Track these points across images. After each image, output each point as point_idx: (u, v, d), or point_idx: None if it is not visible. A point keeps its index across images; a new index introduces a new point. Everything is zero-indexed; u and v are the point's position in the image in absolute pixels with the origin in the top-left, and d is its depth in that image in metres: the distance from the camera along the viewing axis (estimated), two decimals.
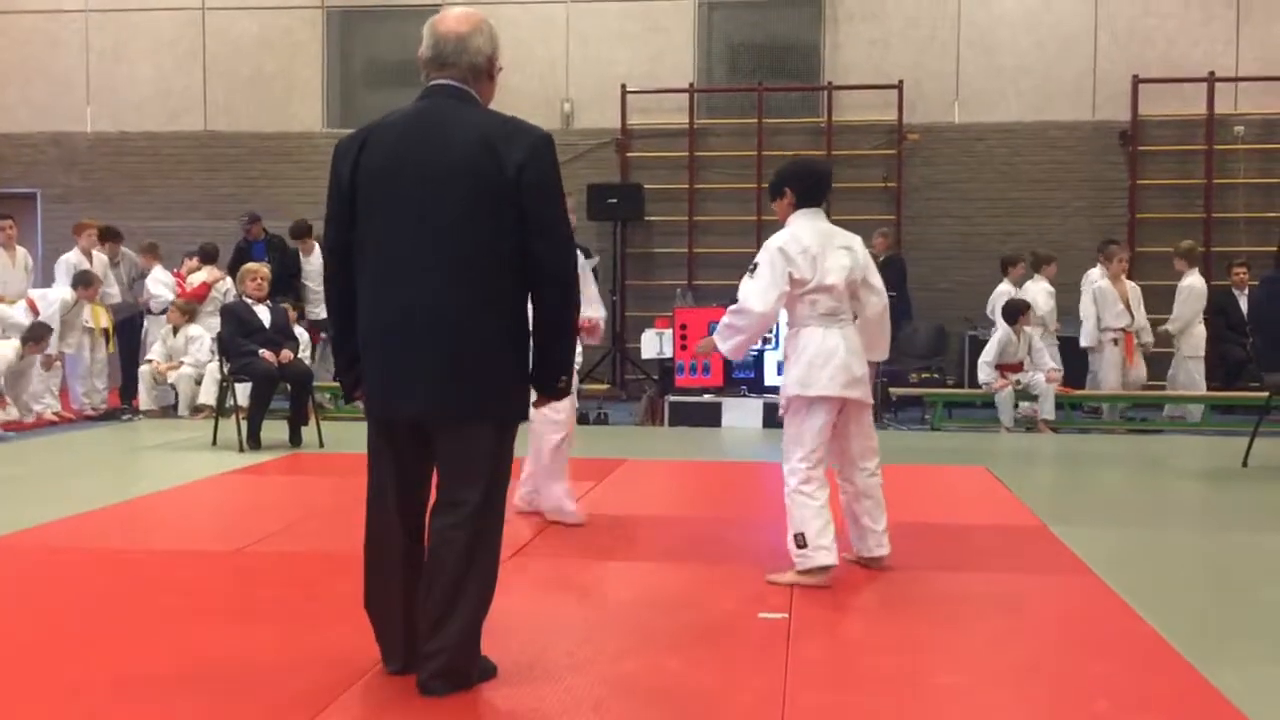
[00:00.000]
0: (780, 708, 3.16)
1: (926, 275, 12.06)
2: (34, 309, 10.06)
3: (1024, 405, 10.24)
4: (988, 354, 10.23)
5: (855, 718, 3.12)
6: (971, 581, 4.67)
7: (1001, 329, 10.27)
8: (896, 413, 11.09)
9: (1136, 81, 12.42)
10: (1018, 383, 10.10)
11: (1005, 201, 12.70)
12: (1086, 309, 10.62)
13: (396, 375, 3.15)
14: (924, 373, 11.51)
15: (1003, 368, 10.19)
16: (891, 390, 11.01)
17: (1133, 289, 10.48)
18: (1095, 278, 10.68)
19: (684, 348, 10.42)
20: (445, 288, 3.10)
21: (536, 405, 3.39)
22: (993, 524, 5.88)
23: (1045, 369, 10.16)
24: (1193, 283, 10.64)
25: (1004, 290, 10.85)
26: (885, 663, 3.59)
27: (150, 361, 10.73)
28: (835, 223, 4.93)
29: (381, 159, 3.16)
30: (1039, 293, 10.80)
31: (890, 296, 5.17)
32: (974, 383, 10.80)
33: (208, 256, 11.59)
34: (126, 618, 4.07)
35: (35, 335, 9.74)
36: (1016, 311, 10.24)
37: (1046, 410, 10.07)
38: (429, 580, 3.17)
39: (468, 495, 3.15)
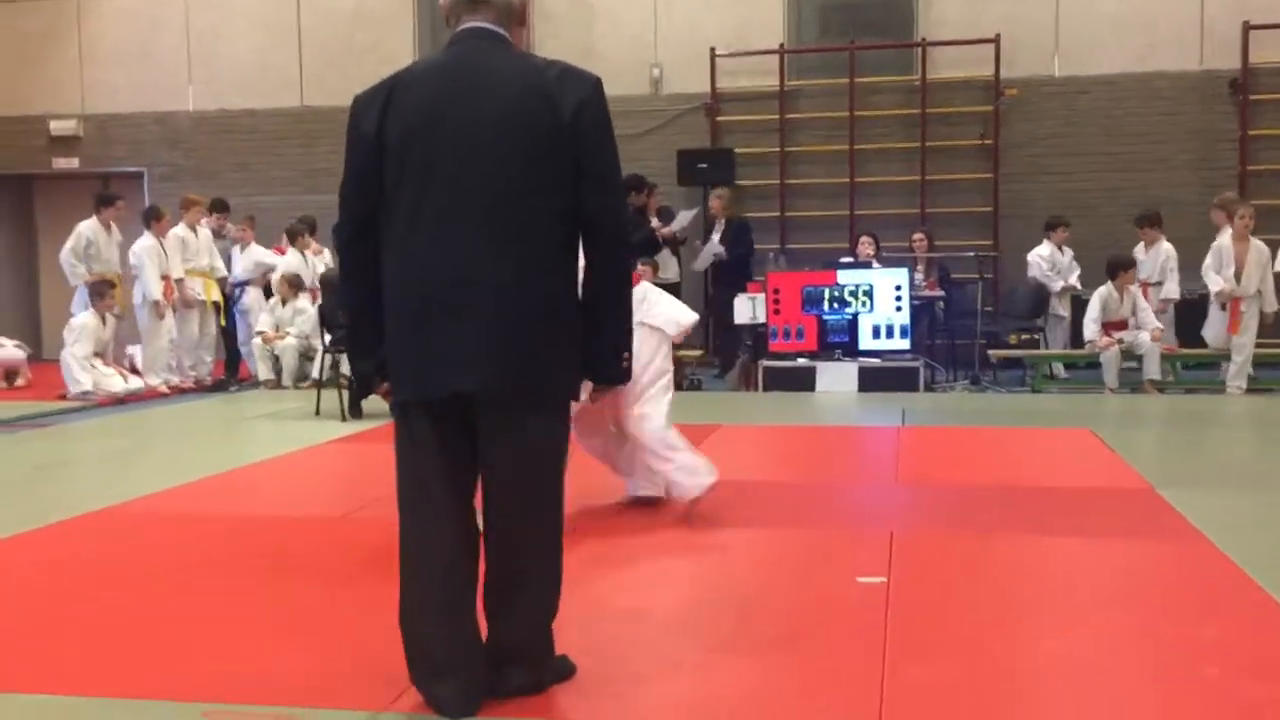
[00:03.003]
0: (880, 676, 3.14)
1: (1027, 234, 11.77)
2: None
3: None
4: (1091, 312, 9.98)
5: (957, 686, 3.08)
6: (1075, 546, 4.58)
7: (1104, 286, 10.00)
8: (996, 375, 10.88)
9: (1247, 27, 11.91)
10: (1121, 341, 9.83)
11: (1108, 156, 12.31)
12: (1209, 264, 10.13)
13: (444, 350, 2.80)
14: (1024, 334, 11.25)
15: (1107, 326, 9.93)
16: (991, 352, 10.81)
17: (1258, 250, 9.77)
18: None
19: (777, 312, 10.35)
20: (498, 251, 2.79)
21: (593, 398, 3.06)
22: (1097, 487, 5.75)
23: (1149, 328, 9.87)
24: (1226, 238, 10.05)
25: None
26: (986, 628, 3.54)
27: (260, 333, 11.00)
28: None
29: (414, 114, 2.84)
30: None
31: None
32: (1077, 343, 10.56)
33: (308, 230, 11.83)
34: (238, 580, 4.20)
35: (97, 291, 10.23)
36: (1119, 268, 9.95)
37: (1151, 370, 9.79)
38: (492, 581, 2.93)
39: (526, 482, 2.89)
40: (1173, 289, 10.32)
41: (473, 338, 2.80)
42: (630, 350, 2.99)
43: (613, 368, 2.99)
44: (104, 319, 10.30)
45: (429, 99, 2.87)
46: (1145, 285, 10.44)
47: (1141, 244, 10.68)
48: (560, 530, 3.01)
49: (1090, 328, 9.95)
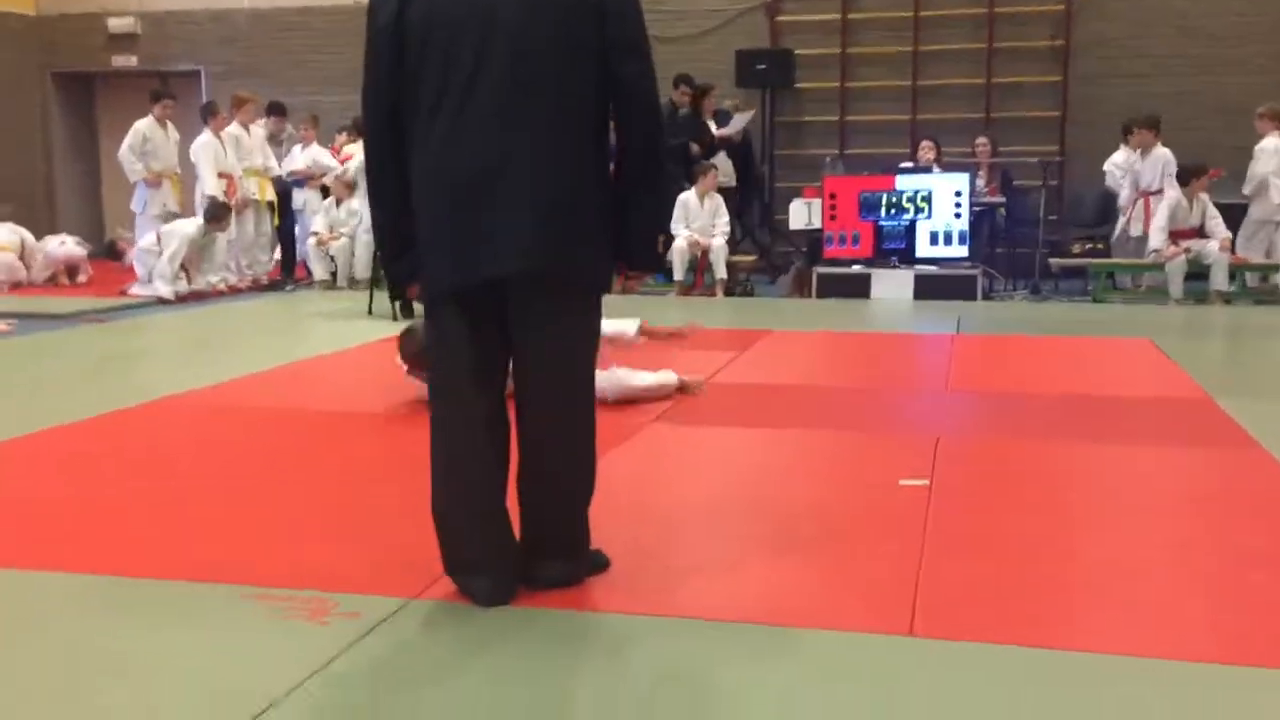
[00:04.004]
0: (915, 574, 3.11)
1: (1095, 140, 11.41)
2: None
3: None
4: (1158, 220, 9.68)
5: (994, 587, 3.05)
6: (1127, 453, 4.48)
7: (1173, 192, 9.69)
8: (1057, 284, 10.65)
9: None
10: (1188, 250, 9.55)
11: (1182, 59, 11.83)
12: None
13: (477, 237, 2.74)
14: (1087, 243, 10.98)
15: (1175, 235, 9.65)
16: (1052, 261, 10.57)
17: None
18: None
19: (833, 218, 10.18)
20: (533, 135, 2.73)
21: (626, 288, 2.96)
22: (1154, 396, 5.63)
23: (1219, 237, 9.57)
24: (1271, 143, 9.71)
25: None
26: (1029, 533, 3.49)
27: (315, 234, 10.99)
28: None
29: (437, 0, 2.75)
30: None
31: None
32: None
33: (360, 130, 11.76)
34: (281, 471, 4.26)
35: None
36: (1190, 174, 9.63)
37: (1219, 280, 9.51)
38: (526, 472, 2.93)
39: (559, 373, 2.87)
40: (1174, 195, 9.80)
41: (505, 224, 2.75)
42: (667, 233, 2.92)
43: (649, 252, 2.95)
44: (210, 237, 10.08)
45: None
46: (1146, 195, 10.11)
47: (1138, 150, 10.25)
48: (593, 420, 2.98)
49: (1157, 236, 9.67)
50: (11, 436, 4.76)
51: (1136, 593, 3.01)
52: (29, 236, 11.29)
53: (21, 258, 11.03)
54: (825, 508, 3.77)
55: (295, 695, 2.44)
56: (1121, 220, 10.39)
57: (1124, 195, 10.39)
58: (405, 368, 5.23)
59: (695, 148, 10.80)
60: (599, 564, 3.13)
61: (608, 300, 3.01)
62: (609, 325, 5.13)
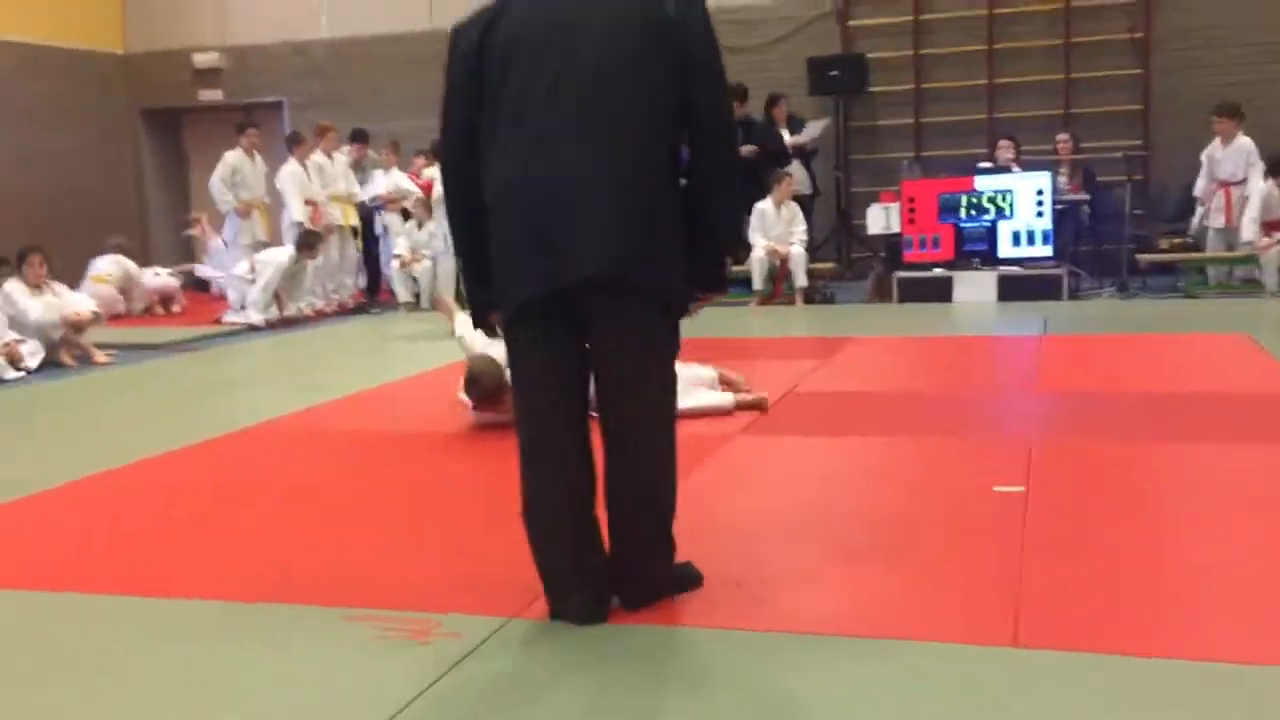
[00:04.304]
0: (1016, 583, 3.07)
1: (1179, 133, 11.15)
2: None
3: None
4: (1250, 211, 9.43)
5: (1100, 594, 2.99)
6: (1225, 453, 4.38)
7: (1265, 183, 9.43)
8: (1145, 281, 10.42)
9: None
10: None
11: (1267, 46, 11.51)
12: None
13: (551, 249, 2.76)
14: (1174, 238, 10.73)
15: (1268, 226, 9.38)
16: (1140, 257, 10.34)
17: None
18: None
19: (912, 221, 10.08)
20: (607, 149, 2.76)
21: (691, 311, 2.95)
22: (1253, 393, 5.48)
23: None
24: None
25: None
26: (1133, 537, 3.42)
27: (398, 257, 11.15)
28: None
29: (524, 21, 2.82)
30: None
31: None
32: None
33: (438, 154, 11.92)
34: (373, 493, 4.34)
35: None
36: None
37: None
38: (614, 489, 2.93)
39: (638, 385, 2.87)
40: (1265, 186, 9.51)
41: (577, 234, 2.76)
42: (737, 254, 2.93)
43: (716, 274, 2.98)
44: (301, 264, 10.27)
45: (535, 9, 2.85)
46: (1227, 185, 9.81)
47: (1217, 140, 9.96)
48: (674, 434, 2.98)
49: (1249, 228, 9.42)
50: (113, 466, 4.91)
51: (1249, 597, 2.93)
52: (133, 266, 11.64)
53: (124, 288, 11.39)
54: (919, 515, 3.74)
55: (401, 717, 2.49)
56: (1200, 211, 10.13)
57: (1200, 186, 10.13)
58: (470, 405, 5.30)
59: (749, 148, 10.71)
60: (692, 578, 3.13)
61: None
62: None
